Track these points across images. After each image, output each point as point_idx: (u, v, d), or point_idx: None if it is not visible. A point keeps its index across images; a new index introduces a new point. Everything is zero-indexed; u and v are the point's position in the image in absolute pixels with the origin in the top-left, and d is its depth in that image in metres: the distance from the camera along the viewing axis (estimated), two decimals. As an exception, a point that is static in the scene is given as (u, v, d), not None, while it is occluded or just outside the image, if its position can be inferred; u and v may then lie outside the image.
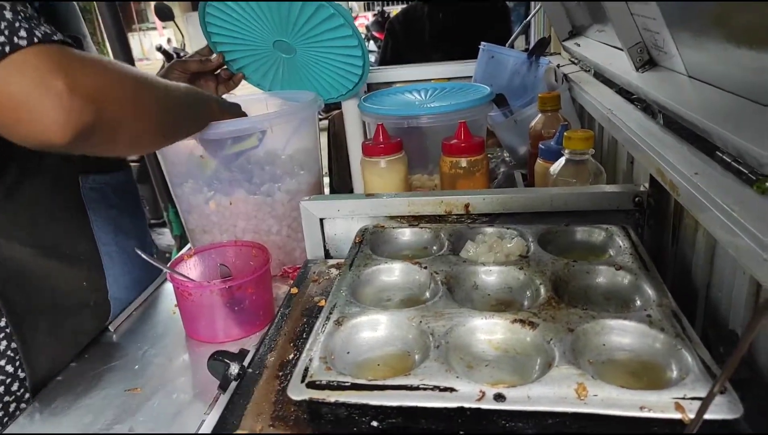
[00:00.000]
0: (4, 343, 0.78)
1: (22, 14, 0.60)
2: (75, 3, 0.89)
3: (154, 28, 11.06)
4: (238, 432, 0.52)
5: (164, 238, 2.67)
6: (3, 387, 0.78)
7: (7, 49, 0.57)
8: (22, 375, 0.79)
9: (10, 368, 0.79)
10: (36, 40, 0.58)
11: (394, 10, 7.62)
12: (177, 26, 3.82)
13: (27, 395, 0.80)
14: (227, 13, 1.12)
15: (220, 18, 1.13)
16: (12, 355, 0.79)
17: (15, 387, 0.79)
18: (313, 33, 1.11)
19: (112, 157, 0.99)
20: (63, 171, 0.85)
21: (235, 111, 1.02)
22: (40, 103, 0.57)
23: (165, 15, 3.34)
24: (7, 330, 0.78)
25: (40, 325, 0.80)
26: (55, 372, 0.84)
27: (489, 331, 0.57)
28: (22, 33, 0.58)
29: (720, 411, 0.43)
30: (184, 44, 4.06)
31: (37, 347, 0.79)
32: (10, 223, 0.78)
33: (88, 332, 0.90)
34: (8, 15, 0.59)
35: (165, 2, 3.50)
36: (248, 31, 1.14)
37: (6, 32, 0.57)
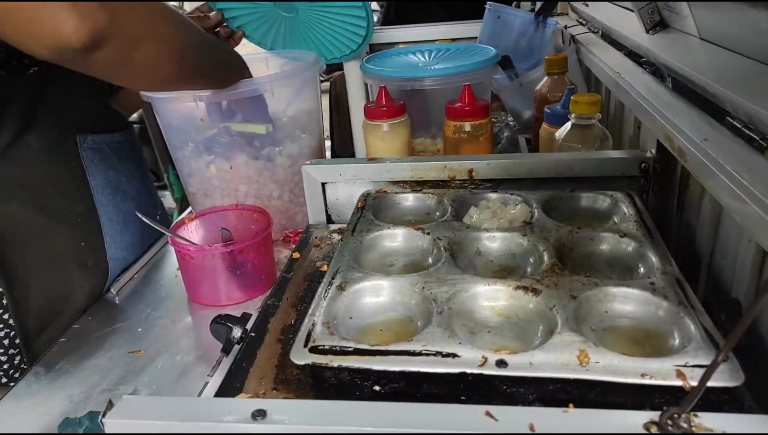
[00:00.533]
0: (5, 299, 0.78)
1: None
2: None
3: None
4: (242, 395, 0.52)
5: (165, 200, 2.64)
6: (8, 340, 0.79)
7: None
8: (14, 336, 0.80)
9: (13, 321, 0.79)
10: None
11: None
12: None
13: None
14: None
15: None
16: (6, 317, 0.79)
17: (18, 340, 0.80)
18: None
19: (112, 114, 0.97)
20: (61, 129, 0.84)
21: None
22: (54, 1, 0.55)
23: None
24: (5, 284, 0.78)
25: (32, 283, 0.80)
26: (51, 332, 0.84)
27: (492, 297, 0.56)
28: None
29: (722, 379, 0.43)
30: (183, 3, 3.96)
31: (28, 305, 0.80)
32: (7, 179, 0.78)
33: (86, 293, 0.89)
34: None
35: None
36: (247, -11, 1.11)
37: None
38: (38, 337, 0.83)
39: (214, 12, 1.17)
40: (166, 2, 0.74)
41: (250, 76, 0.96)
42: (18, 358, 0.81)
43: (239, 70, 0.93)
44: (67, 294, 0.87)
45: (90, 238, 0.89)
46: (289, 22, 1.20)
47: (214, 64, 0.87)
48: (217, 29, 1.18)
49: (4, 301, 0.79)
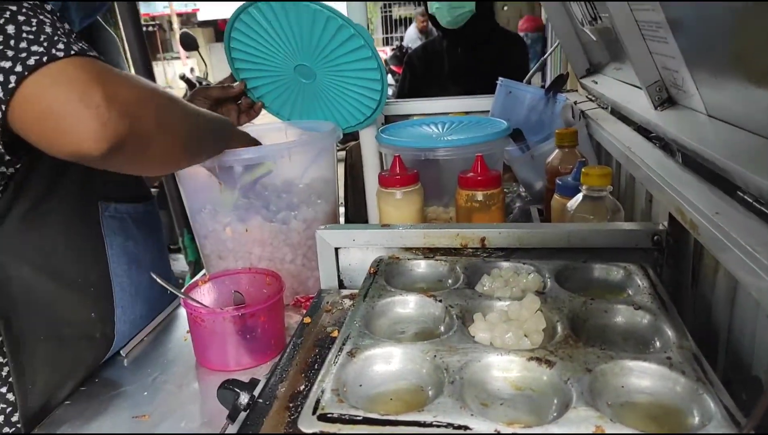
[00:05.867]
0: (6, 369, 0.76)
1: (61, 30, 0.62)
2: (114, 36, 0.91)
3: (178, 58, 11.36)
4: (247, 464, 0.51)
5: (178, 263, 2.68)
6: (3, 417, 0.77)
7: (45, 59, 0.58)
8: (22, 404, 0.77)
9: (10, 396, 0.77)
10: (73, 52, 0.60)
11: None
12: (201, 56, 3.92)
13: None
14: (252, 38, 1.14)
15: (244, 43, 1.16)
16: (12, 381, 0.76)
17: (15, 417, 0.77)
18: (333, 55, 1.12)
19: (136, 183, 0.98)
20: (83, 196, 0.84)
21: (248, 139, 1.02)
22: (78, 112, 0.58)
23: (190, 44, 3.43)
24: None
25: (38, 354, 0.78)
26: (50, 403, 0.81)
27: (504, 368, 0.55)
28: (60, 45, 0.59)
29: (745, 460, 0.41)
30: (207, 73, 4.16)
31: (33, 378, 0.77)
32: (23, 243, 0.77)
33: (88, 365, 0.86)
34: (48, 29, 0.60)
35: (189, 32, 3.60)
36: (271, 55, 1.17)
37: (45, 44, 0.59)
38: (37, 413, 0.80)
39: (237, 82, 1.23)
40: (168, 93, 0.78)
41: (234, 130, 0.98)
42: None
43: (231, 136, 0.96)
44: (72, 367, 0.84)
45: (101, 309, 0.86)
46: (306, 92, 1.25)
47: (213, 139, 0.90)
48: (239, 100, 1.24)
49: (3, 373, 0.76)
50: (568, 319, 0.62)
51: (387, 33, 11.63)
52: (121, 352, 0.93)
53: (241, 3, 1.09)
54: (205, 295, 0.95)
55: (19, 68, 0.58)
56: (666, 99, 0.92)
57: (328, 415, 0.49)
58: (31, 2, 0.63)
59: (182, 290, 0.92)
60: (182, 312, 1.07)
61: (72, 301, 0.82)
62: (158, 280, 0.88)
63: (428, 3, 2.20)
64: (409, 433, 0.47)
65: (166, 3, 10.86)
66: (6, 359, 0.76)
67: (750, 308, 0.60)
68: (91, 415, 0.80)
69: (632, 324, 0.63)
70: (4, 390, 0.76)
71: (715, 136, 0.74)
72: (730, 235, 0.56)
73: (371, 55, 1.10)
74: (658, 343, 0.60)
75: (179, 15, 12.22)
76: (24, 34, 0.59)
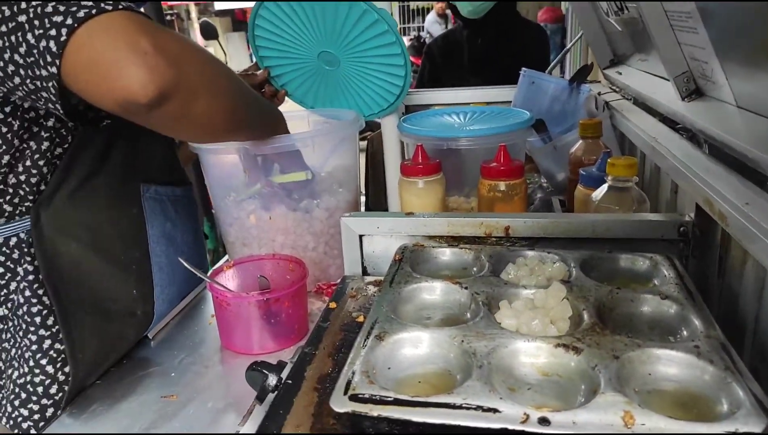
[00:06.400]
0: (48, 342, 0.79)
1: None
2: None
3: (195, 47, 11.40)
4: (278, 442, 0.52)
5: (197, 250, 2.70)
6: (42, 388, 0.79)
7: (94, 11, 0.60)
8: (61, 377, 0.80)
9: (50, 369, 0.80)
10: (120, 6, 0.61)
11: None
12: (220, 44, 3.93)
13: (63, 400, 0.80)
14: (276, 25, 1.15)
15: (268, 30, 1.17)
16: (54, 355, 0.80)
17: (53, 389, 0.80)
18: (357, 41, 1.13)
19: (175, 167, 1.00)
20: (126, 177, 0.86)
21: None
22: (125, 59, 0.59)
23: (210, 33, 3.45)
24: (54, 329, 0.79)
25: (87, 325, 0.80)
26: (93, 377, 0.84)
27: (532, 354, 0.56)
28: (109, 0, 0.61)
29: (775, 447, 0.42)
30: (226, 62, 4.17)
31: (83, 348, 0.80)
32: (71, 220, 0.79)
33: (129, 341, 0.90)
34: None
35: (210, 21, 3.61)
36: (295, 43, 1.17)
37: None
38: (85, 383, 0.83)
39: (261, 70, 1.24)
40: (218, 59, 0.79)
41: (287, 131, 1.00)
42: (51, 410, 0.80)
43: (278, 124, 0.98)
44: (118, 341, 0.87)
45: (141, 287, 0.89)
46: (329, 79, 1.25)
47: (259, 117, 0.91)
48: (263, 88, 1.25)
49: (44, 346, 0.78)
50: (594, 307, 0.63)
51: (404, 23, 11.57)
52: (148, 334, 0.95)
53: (265, -9, 1.10)
54: (230, 279, 0.97)
55: (69, 21, 0.59)
56: (694, 90, 0.91)
57: (360, 396, 0.50)
58: None
59: (208, 275, 0.93)
60: (206, 296, 1.09)
61: (116, 277, 0.84)
62: (186, 265, 0.89)
63: (449, -7, 2.19)
64: (437, 418, 0.48)
65: (183, -8, 10.90)
66: (48, 333, 0.79)
67: (779, 299, 0.60)
68: (121, 395, 0.82)
69: (659, 313, 0.64)
70: (44, 362, 0.79)
71: (745, 127, 0.74)
72: (761, 226, 0.55)
73: (395, 41, 1.10)
74: (685, 333, 0.60)
75: (197, 4, 12.26)
76: None
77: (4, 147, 0.73)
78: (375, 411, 0.48)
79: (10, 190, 0.75)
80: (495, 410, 0.48)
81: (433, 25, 7.98)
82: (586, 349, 0.55)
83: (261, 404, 0.67)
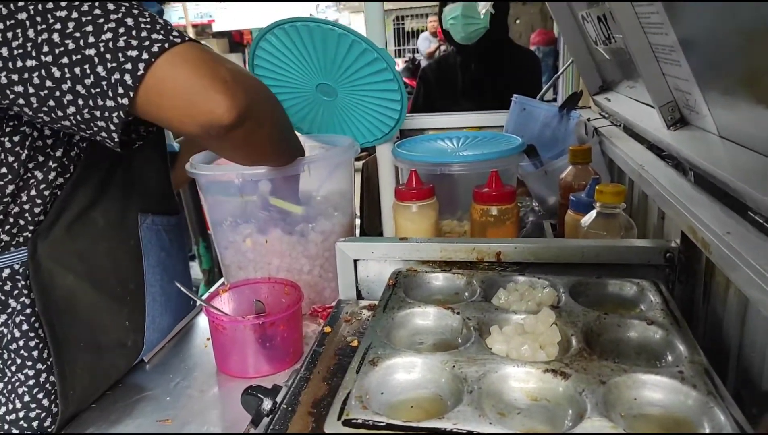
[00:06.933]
0: (44, 375, 0.78)
1: (167, 23, 0.67)
2: None
3: (192, 68, 11.48)
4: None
5: (192, 271, 2.71)
6: (37, 422, 0.78)
7: (167, 45, 0.63)
8: (54, 410, 0.79)
9: (46, 402, 0.79)
10: (187, 38, 0.65)
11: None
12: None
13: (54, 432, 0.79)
14: (276, 56, 1.18)
15: (268, 60, 1.19)
16: (50, 388, 0.79)
17: (47, 422, 0.79)
18: (356, 76, 1.16)
19: (170, 196, 1.01)
20: (124, 207, 0.87)
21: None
22: (211, 87, 0.63)
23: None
24: (49, 362, 0.78)
25: (79, 360, 0.80)
26: (82, 410, 0.83)
27: (521, 379, 0.57)
28: (175, 33, 0.64)
29: (754, 471, 0.43)
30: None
31: (74, 385, 0.79)
32: (69, 252, 0.79)
33: (119, 371, 0.90)
34: (160, 20, 0.65)
35: (206, 45, 3.65)
36: (294, 74, 1.20)
37: (162, 32, 0.63)
38: (75, 415, 0.82)
39: None
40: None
41: (303, 155, 1.03)
42: None
43: (301, 149, 1.01)
44: (106, 374, 0.86)
45: (134, 318, 0.89)
46: (326, 107, 1.28)
47: (294, 145, 0.96)
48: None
49: (41, 379, 0.77)
50: (582, 332, 0.64)
51: (399, 45, 11.72)
52: (144, 358, 0.96)
53: (263, 25, 1.13)
54: (226, 303, 0.98)
55: (145, 55, 0.62)
56: (678, 119, 0.94)
57: (353, 421, 0.51)
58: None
59: (203, 298, 0.95)
60: (202, 320, 1.10)
61: (110, 309, 0.84)
62: (182, 289, 0.91)
63: (442, 19, 2.24)
64: (429, 440, 0.49)
65: (181, 14, 10.99)
66: (44, 366, 0.78)
67: (760, 326, 0.62)
68: (117, 419, 0.83)
69: (645, 338, 0.65)
70: (40, 396, 0.78)
71: (726, 156, 0.76)
72: (741, 255, 0.57)
73: (392, 78, 1.13)
74: (670, 358, 0.62)
75: (194, 26, 12.38)
76: (142, 25, 0.63)
77: (10, 176, 0.73)
78: (368, 436, 0.50)
79: (11, 220, 0.75)
80: (484, 435, 0.49)
81: (423, 42, 8.17)
82: (573, 374, 0.57)
83: (256, 428, 0.68)
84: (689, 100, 0.87)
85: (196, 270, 2.65)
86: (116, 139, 0.66)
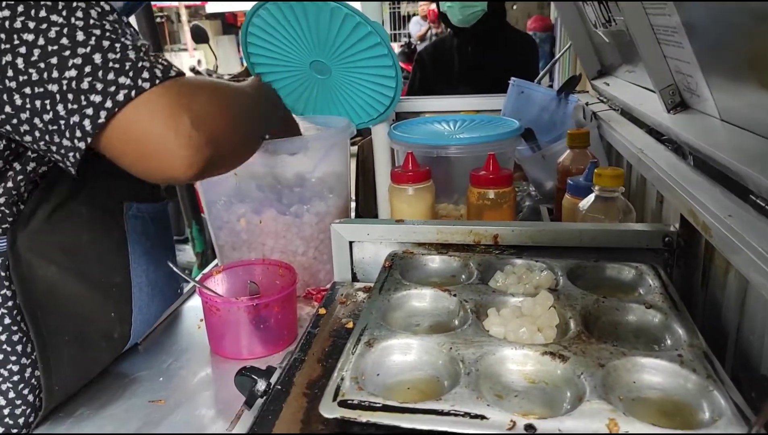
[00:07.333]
0: (29, 370, 0.75)
1: (142, 48, 0.63)
2: (135, 28, 0.90)
3: (186, 49, 11.36)
4: (267, 448, 0.52)
5: (185, 254, 2.70)
6: (23, 419, 0.75)
7: (133, 93, 0.59)
8: (38, 404, 0.76)
9: (31, 398, 0.76)
10: (157, 80, 0.61)
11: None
12: (211, 48, 3.93)
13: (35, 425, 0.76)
14: (269, 33, 1.15)
15: (261, 38, 1.17)
16: (35, 383, 0.76)
17: (32, 418, 0.76)
18: (349, 52, 1.14)
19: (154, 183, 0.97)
20: (108, 196, 0.83)
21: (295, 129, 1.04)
22: (171, 144, 0.60)
23: (200, 37, 3.44)
24: (33, 356, 0.75)
25: (65, 354, 0.77)
26: (63, 403, 0.80)
27: (519, 361, 0.57)
28: (145, 74, 0.60)
29: (755, 454, 0.43)
30: (217, 66, 4.17)
31: (59, 380, 0.76)
32: (50, 243, 0.75)
33: (104, 364, 0.86)
34: (131, 54, 0.61)
35: (200, 25, 3.61)
36: (287, 51, 1.18)
37: (131, 74, 0.60)
38: (56, 409, 0.79)
39: (252, 76, 1.24)
40: (229, 84, 0.79)
41: (298, 131, 1.00)
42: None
43: (285, 125, 0.98)
44: (91, 367, 0.84)
45: (120, 308, 0.86)
46: (321, 86, 1.26)
47: (265, 126, 0.92)
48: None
49: (26, 374, 0.75)
50: (580, 315, 0.64)
51: (395, 29, 11.63)
52: (137, 341, 0.95)
53: (255, -1, 1.10)
54: (219, 284, 0.97)
55: (109, 103, 0.59)
56: (679, 103, 0.93)
57: (349, 402, 0.50)
58: (112, 17, 0.64)
59: (197, 279, 0.93)
60: (195, 301, 1.09)
61: (95, 301, 0.81)
62: (175, 270, 0.89)
63: (439, 2, 2.21)
64: (425, 425, 0.48)
65: (174, -6, 10.86)
66: (29, 361, 0.75)
67: (760, 309, 0.62)
68: (108, 400, 0.81)
69: (644, 322, 0.65)
70: (26, 392, 0.75)
71: (728, 140, 0.75)
72: (743, 238, 0.57)
73: (387, 53, 1.11)
74: (669, 341, 0.61)
75: (187, 7, 12.22)
76: (110, 64, 0.60)
77: None
78: (364, 417, 0.49)
79: None
80: (482, 417, 0.48)
81: (414, 26, 8.16)
82: (572, 357, 0.56)
83: (250, 409, 0.67)
84: (690, 83, 0.86)
85: (189, 253, 2.64)
86: (73, 172, 0.64)
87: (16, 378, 0.74)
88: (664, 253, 0.80)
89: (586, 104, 1.41)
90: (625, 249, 0.81)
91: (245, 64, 1.27)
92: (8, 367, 0.74)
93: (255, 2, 1.12)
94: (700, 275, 0.77)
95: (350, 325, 0.75)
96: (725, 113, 0.79)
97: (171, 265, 0.89)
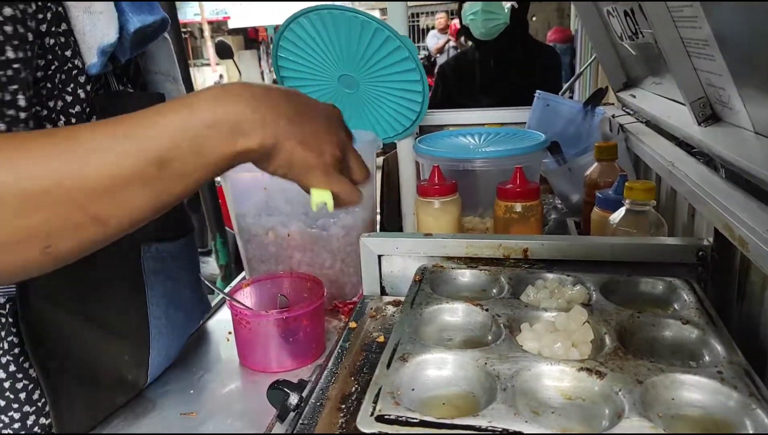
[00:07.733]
0: (33, 417, 0.72)
1: None
2: (170, 42, 0.90)
3: (208, 64, 11.57)
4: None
5: (208, 266, 2.72)
6: None
7: None
8: None
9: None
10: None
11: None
12: (235, 63, 3.99)
13: None
14: (300, 47, 1.17)
15: (291, 51, 1.19)
16: (39, 431, 0.73)
17: None
18: (378, 66, 1.15)
19: (181, 218, 0.91)
20: (124, 239, 0.67)
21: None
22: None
23: (225, 53, 3.50)
24: (39, 403, 0.72)
25: (77, 399, 0.74)
26: None
27: (555, 377, 0.56)
28: None
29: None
30: (240, 80, 4.23)
31: (71, 423, 0.74)
32: (60, 287, 0.71)
33: (118, 406, 0.83)
34: None
35: (225, 41, 3.68)
36: (317, 64, 1.20)
37: None
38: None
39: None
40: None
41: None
42: None
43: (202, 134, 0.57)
44: (107, 408, 0.81)
45: (135, 352, 0.82)
46: (348, 101, 1.27)
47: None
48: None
49: (40, 404, 0.72)
50: (615, 331, 0.63)
51: (414, 42, 11.71)
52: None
53: (289, 13, 1.12)
54: (248, 297, 0.97)
55: None
56: (710, 115, 0.92)
57: (386, 417, 0.50)
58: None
59: (227, 291, 0.94)
60: (224, 313, 1.10)
61: (108, 346, 0.78)
62: (207, 283, 0.90)
63: (462, 15, 2.22)
64: (462, 438, 0.48)
65: (197, 11, 11.07)
66: (33, 408, 0.72)
67: (801, 326, 0.60)
68: (141, 412, 0.82)
69: (680, 338, 0.64)
70: (43, 421, 0.73)
71: (763, 153, 0.74)
72: (784, 253, 0.56)
73: (414, 67, 1.12)
74: (707, 358, 0.60)
75: (210, 23, 12.44)
76: None
77: None
78: (401, 431, 0.49)
79: None
80: (520, 433, 0.48)
81: (431, 39, 8.19)
82: (609, 374, 0.55)
83: (282, 423, 0.68)
84: (722, 96, 0.85)
85: (212, 265, 2.66)
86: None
87: (17, 425, 0.71)
88: (698, 267, 0.79)
89: (612, 116, 1.40)
90: (657, 263, 0.80)
91: (275, 77, 1.29)
92: (9, 414, 0.71)
93: (280, 17, 1.14)
94: (736, 290, 0.76)
95: (381, 338, 0.75)
96: (759, 125, 0.78)
97: (203, 279, 0.90)
